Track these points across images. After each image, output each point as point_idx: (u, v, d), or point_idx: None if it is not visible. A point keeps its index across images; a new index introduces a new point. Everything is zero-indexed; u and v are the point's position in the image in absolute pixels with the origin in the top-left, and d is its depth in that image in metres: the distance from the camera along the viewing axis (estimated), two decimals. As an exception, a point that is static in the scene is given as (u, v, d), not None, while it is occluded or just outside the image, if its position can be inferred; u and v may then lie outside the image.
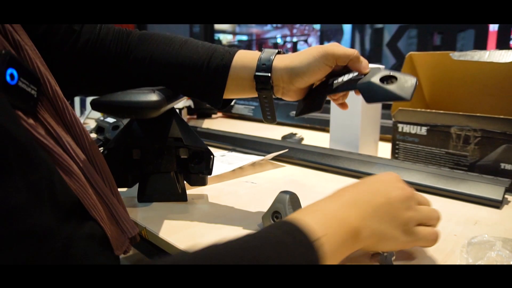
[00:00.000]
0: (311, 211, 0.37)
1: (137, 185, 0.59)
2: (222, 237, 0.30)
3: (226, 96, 0.52)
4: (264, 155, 0.81)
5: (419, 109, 0.75)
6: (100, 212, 0.34)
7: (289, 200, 0.47)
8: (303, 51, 0.49)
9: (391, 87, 0.44)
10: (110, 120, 0.88)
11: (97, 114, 1.40)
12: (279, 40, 4.63)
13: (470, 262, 0.41)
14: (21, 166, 0.24)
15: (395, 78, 0.44)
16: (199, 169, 0.56)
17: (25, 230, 0.23)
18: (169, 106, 0.49)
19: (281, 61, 0.49)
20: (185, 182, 0.60)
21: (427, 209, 0.44)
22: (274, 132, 1.13)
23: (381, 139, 0.90)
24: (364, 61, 0.49)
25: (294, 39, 4.32)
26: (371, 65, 0.59)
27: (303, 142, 1.02)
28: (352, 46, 3.77)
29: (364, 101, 0.45)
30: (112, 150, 0.54)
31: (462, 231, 0.51)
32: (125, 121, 0.72)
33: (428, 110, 0.74)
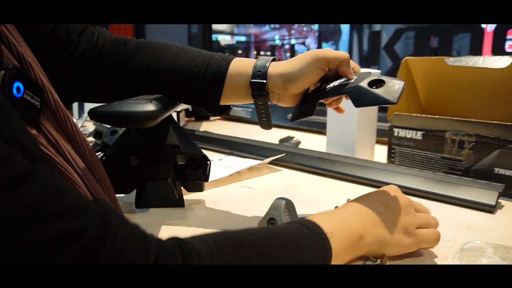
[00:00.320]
0: (320, 215, 0.41)
1: (135, 191, 0.59)
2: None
3: (223, 102, 0.53)
4: (261, 159, 0.82)
5: (414, 114, 0.76)
6: None
7: (285, 206, 0.47)
8: (296, 57, 0.50)
9: (378, 91, 0.45)
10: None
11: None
12: (277, 41, 4.63)
13: (462, 268, 0.42)
14: None
15: (383, 82, 0.45)
16: (196, 175, 0.57)
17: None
18: (166, 115, 0.50)
19: (275, 67, 0.50)
20: (182, 187, 0.61)
21: (425, 215, 0.48)
22: (271, 135, 1.14)
23: (378, 142, 0.91)
24: (353, 66, 0.50)
25: (292, 41, 4.33)
26: (364, 70, 0.60)
27: (300, 146, 1.03)
28: (350, 47, 3.78)
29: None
30: (110, 157, 0.55)
31: (455, 236, 0.51)
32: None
33: (424, 115, 0.75)
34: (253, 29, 4.66)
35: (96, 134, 0.90)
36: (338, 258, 0.38)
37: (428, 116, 0.74)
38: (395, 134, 0.79)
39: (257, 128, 1.30)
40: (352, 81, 0.48)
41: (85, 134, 1.10)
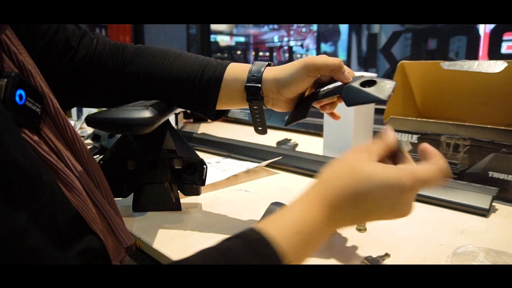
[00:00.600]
0: (279, 227, 0.34)
1: (132, 195, 0.60)
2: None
3: (219, 107, 0.54)
4: (258, 162, 0.83)
5: (410, 118, 0.77)
6: (99, 225, 0.35)
7: (280, 211, 0.48)
8: (290, 63, 0.51)
9: (369, 89, 0.45)
10: (107, 127, 0.89)
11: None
12: (276, 42, 4.64)
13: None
14: (24, 197, 0.26)
15: (375, 82, 0.46)
16: (193, 180, 0.57)
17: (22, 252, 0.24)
18: (162, 120, 0.50)
19: (269, 72, 0.51)
20: (179, 191, 0.61)
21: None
22: (269, 137, 1.14)
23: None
24: (347, 71, 0.50)
25: (291, 43, 4.33)
26: (360, 73, 0.61)
27: (298, 148, 1.03)
28: (349, 47, 3.79)
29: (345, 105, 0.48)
30: (108, 161, 0.55)
31: (449, 240, 0.52)
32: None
33: (419, 119, 0.75)
34: (252, 30, 4.67)
35: (94, 137, 0.90)
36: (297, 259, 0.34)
37: (424, 120, 0.75)
38: (391, 137, 0.80)
39: (255, 130, 1.31)
40: (346, 84, 0.48)
41: (83, 137, 1.11)
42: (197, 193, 0.61)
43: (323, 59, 0.48)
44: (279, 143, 1.06)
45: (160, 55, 0.54)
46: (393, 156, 0.41)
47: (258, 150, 0.91)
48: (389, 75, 1.33)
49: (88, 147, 0.91)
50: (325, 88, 0.50)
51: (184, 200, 0.64)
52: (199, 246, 0.31)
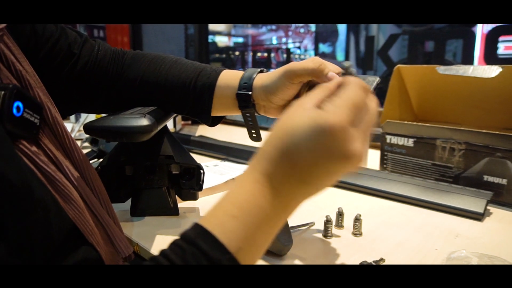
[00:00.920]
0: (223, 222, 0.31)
1: (130, 200, 0.60)
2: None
3: (214, 113, 0.54)
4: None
5: (406, 122, 0.78)
6: (97, 237, 0.35)
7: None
8: (275, 70, 0.50)
9: None
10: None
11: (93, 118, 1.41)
12: (274, 42, 4.64)
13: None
14: (14, 215, 0.26)
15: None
16: (190, 185, 0.58)
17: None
18: (160, 127, 0.51)
19: (259, 79, 0.51)
20: (176, 196, 0.62)
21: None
22: (267, 139, 1.15)
23: (371, 146, 0.92)
24: (330, 72, 0.46)
25: (290, 45, 4.34)
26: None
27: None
28: (347, 48, 3.80)
29: None
30: (106, 167, 0.56)
31: (443, 245, 0.53)
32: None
33: (415, 123, 0.76)
34: (250, 30, 4.67)
35: (92, 140, 0.90)
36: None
37: (419, 124, 0.75)
38: (387, 140, 0.81)
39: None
40: None
41: (81, 140, 1.11)
42: (195, 198, 0.61)
43: (302, 64, 0.46)
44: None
45: (156, 61, 0.54)
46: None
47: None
48: (386, 77, 1.34)
49: (87, 150, 0.92)
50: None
51: (181, 204, 0.65)
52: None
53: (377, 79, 0.45)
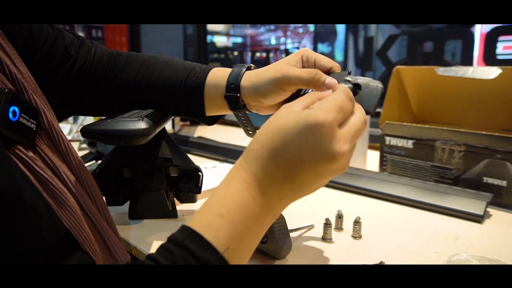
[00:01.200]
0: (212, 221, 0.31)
1: (128, 203, 0.60)
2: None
3: (209, 113, 0.53)
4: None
5: (405, 123, 0.77)
6: (93, 245, 0.35)
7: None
8: (267, 69, 0.47)
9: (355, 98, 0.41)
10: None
11: (91, 121, 1.40)
12: (273, 42, 4.64)
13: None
14: (2, 219, 0.25)
15: (360, 86, 0.42)
16: (189, 187, 0.58)
17: None
18: (158, 130, 0.50)
19: (248, 79, 0.48)
20: (175, 198, 0.62)
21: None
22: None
23: (370, 147, 0.92)
24: (331, 65, 0.46)
25: (288, 46, 4.33)
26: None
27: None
28: (346, 48, 3.80)
29: None
30: (104, 170, 0.55)
31: (443, 247, 0.52)
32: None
33: (414, 124, 0.76)
34: (249, 30, 4.67)
35: (90, 142, 0.90)
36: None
37: (419, 125, 0.75)
38: (387, 142, 0.80)
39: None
40: None
41: (79, 141, 1.10)
42: (193, 200, 0.61)
43: (296, 74, 0.44)
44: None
45: (149, 62, 0.53)
46: None
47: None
48: (384, 78, 1.34)
49: (84, 152, 0.91)
50: (309, 90, 0.47)
51: (180, 207, 0.65)
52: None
53: (380, 89, 0.42)
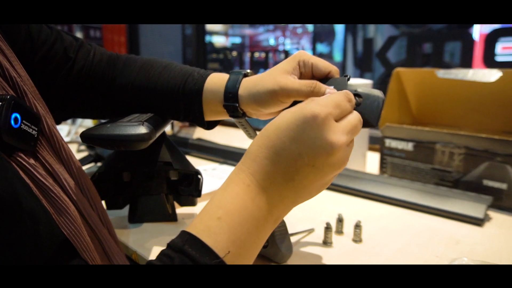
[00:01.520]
0: (214, 228, 0.31)
1: (128, 206, 0.60)
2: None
3: (208, 118, 0.52)
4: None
5: (405, 126, 0.77)
6: (92, 253, 0.34)
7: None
8: (263, 77, 0.46)
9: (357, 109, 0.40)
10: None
11: (89, 122, 1.40)
12: (272, 43, 4.64)
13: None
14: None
15: (360, 96, 0.41)
16: (189, 191, 0.57)
17: None
18: (158, 134, 0.50)
19: (245, 87, 0.47)
20: (175, 202, 0.61)
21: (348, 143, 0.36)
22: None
23: (370, 149, 0.92)
24: (329, 70, 0.45)
25: (287, 47, 4.34)
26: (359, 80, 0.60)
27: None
28: (345, 48, 3.80)
29: None
30: (103, 174, 0.55)
31: (444, 251, 0.52)
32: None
33: (414, 127, 0.76)
34: (247, 30, 4.66)
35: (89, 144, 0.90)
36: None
37: (419, 128, 0.75)
38: (387, 144, 0.80)
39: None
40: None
41: (78, 143, 1.10)
42: (193, 203, 0.61)
43: (295, 86, 0.42)
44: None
45: (147, 66, 0.53)
46: None
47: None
48: (384, 79, 1.34)
49: (83, 154, 0.91)
50: None
51: (180, 210, 0.64)
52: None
53: (382, 100, 0.40)
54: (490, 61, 1.10)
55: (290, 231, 0.51)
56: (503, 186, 0.66)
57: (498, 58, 1.14)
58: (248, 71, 0.50)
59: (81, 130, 1.37)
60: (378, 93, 0.41)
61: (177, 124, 1.36)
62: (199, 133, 1.32)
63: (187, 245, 0.29)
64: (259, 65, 2.70)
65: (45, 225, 0.30)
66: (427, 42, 1.28)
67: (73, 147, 1.10)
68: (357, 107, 0.40)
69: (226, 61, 3.05)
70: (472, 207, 0.62)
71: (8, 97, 0.30)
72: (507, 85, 0.70)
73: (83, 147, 1.05)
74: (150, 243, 0.54)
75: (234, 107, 0.47)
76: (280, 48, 4.60)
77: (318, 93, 0.41)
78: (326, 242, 0.54)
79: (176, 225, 0.60)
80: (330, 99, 0.34)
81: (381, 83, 1.40)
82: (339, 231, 0.57)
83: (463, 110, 0.82)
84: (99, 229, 0.37)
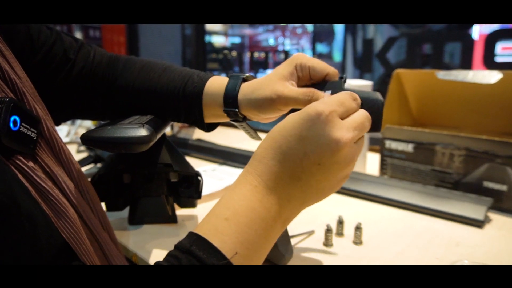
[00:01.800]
0: (221, 230, 0.31)
1: (128, 208, 0.60)
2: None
3: (209, 121, 0.52)
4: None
5: (405, 127, 0.77)
6: (91, 256, 0.34)
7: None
8: (261, 83, 0.46)
9: None
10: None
11: (89, 123, 1.40)
12: (271, 42, 4.64)
13: None
14: None
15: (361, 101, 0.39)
16: (189, 193, 0.57)
17: None
18: (158, 136, 0.50)
19: (244, 94, 0.47)
20: (175, 203, 0.61)
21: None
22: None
23: (371, 150, 0.92)
24: (328, 71, 0.45)
25: (287, 47, 4.33)
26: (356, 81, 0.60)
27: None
28: (344, 48, 3.80)
29: None
30: (104, 175, 0.55)
31: (444, 253, 0.52)
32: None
33: (414, 129, 0.75)
34: (247, 30, 4.66)
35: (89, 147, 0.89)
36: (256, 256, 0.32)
37: (419, 129, 0.75)
38: (387, 146, 0.80)
39: (250, 134, 1.31)
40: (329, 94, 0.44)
41: (78, 143, 1.10)
42: (193, 205, 0.61)
43: (294, 95, 0.43)
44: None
45: (147, 68, 0.53)
46: None
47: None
48: (384, 80, 1.34)
49: (83, 155, 0.91)
50: None
51: (180, 212, 0.64)
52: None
53: (381, 100, 0.40)
54: (490, 62, 1.10)
55: (290, 233, 0.51)
56: (503, 187, 0.66)
57: (498, 59, 1.14)
58: (247, 74, 0.50)
59: (80, 130, 1.37)
60: (376, 95, 0.40)
61: (176, 125, 1.36)
62: (198, 133, 1.31)
63: (194, 245, 0.29)
64: (259, 65, 2.69)
65: (43, 228, 0.30)
66: (427, 42, 1.28)
67: (72, 148, 1.10)
68: None
69: (226, 61, 3.05)
70: (472, 209, 0.62)
71: (7, 99, 0.30)
72: (507, 87, 0.70)
73: (82, 148, 1.04)
74: (150, 245, 0.54)
75: (234, 112, 0.47)
76: (280, 48, 4.60)
77: (318, 98, 0.42)
78: (327, 244, 0.54)
79: (176, 227, 0.60)
80: (334, 98, 0.35)
81: (381, 84, 1.40)
82: (340, 233, 0.57)
83: (463, 111, 0.82)
84: (99, 232, 0.37)
